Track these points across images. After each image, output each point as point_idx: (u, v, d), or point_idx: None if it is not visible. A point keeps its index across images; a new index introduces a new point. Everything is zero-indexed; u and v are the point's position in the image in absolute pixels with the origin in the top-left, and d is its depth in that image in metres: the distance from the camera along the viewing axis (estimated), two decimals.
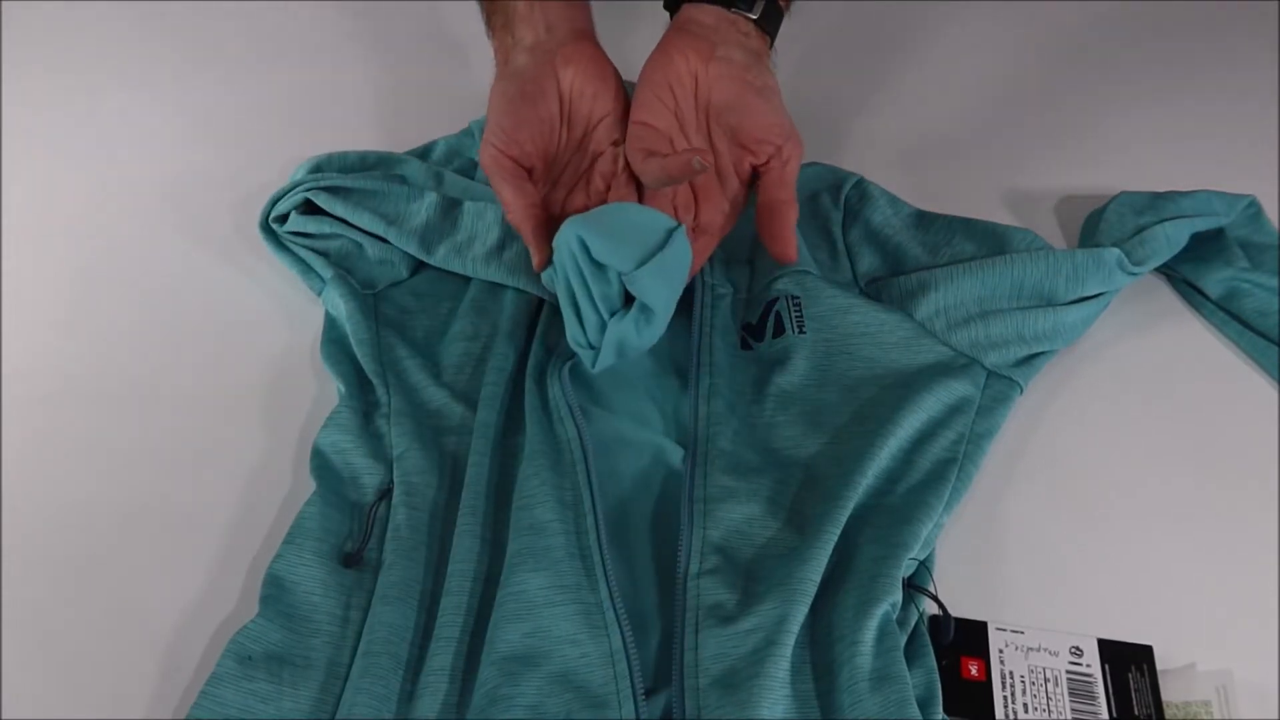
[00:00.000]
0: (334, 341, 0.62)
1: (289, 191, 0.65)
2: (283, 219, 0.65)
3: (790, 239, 0.57)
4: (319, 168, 0.69)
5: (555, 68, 0.58)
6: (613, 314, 0.55)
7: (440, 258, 0.64)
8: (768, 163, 0.57)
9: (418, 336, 0.63)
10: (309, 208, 0.65)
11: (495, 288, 0.64)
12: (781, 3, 0.61)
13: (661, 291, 0.54)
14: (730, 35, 0.58)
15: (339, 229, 0.64)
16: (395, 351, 0.61)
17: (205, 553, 0.56)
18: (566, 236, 0.54)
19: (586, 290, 0.54)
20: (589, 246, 0.53)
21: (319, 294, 0.65)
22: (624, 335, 0.55)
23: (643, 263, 0.52)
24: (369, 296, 0.64)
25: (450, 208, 0.65)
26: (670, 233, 0.54)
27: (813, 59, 0.73)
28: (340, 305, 0.62)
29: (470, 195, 0.67)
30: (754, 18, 0.58)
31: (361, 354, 0.60)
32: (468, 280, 0.65)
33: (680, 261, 0.55)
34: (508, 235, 0.64)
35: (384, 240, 0.65)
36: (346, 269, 0.65)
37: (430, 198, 0.65)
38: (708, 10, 0.59)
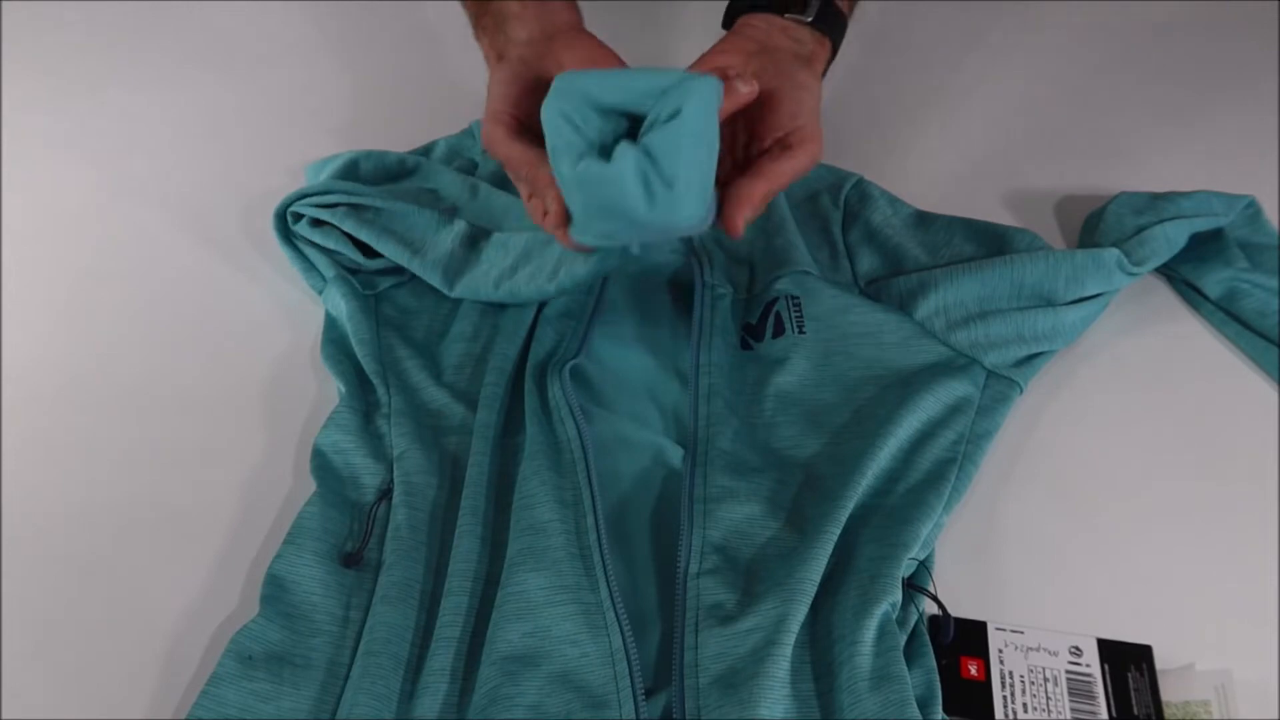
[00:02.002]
0: (334, 341, 0.62)
1: (319, 194, 0.63)
2: (299, 215, 0.65)
3: (732, 219, 0.50)
4: (355, 163, 0.68)
5: (557, 53, 0.55)
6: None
7: (461, 289, 0.63)
8: (769, 148, 0.53)
9: (418, 337, 0.63)
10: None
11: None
12: (841, 5, 0.58)
13: (686, 152, 0.45)
14: (780, 40, 0.56)
15: (344, 246, 0.64)
16: (396, 352, 0.61)
17: (205, 553, 0.56)
18: (564, 89, 0.46)
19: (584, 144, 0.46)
20: (593, 90, 0.45)
21: (320, 293, 0.65)
22: (626, 188, 0.45)
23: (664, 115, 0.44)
24: (370, 297, 0.64)
25: (476, 239, 0.64)
26: (695, 84, 0.45)
27: None
28: (341, 305, 0.62)
29: (499, 213, 0.66)
30: (807, 20, 0.56)
31: (362, 354, 0.60)
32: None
33: (708, 118, 0.46)
34: (520, 260, 0.63)
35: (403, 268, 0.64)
36: (349, 269, 0.64)
37: (459, 227, 0.64)
38: (759, 17, 0.57)
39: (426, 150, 0.74)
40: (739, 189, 0.51)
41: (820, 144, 0.53)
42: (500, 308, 0.63)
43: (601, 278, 0.63)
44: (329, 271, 0.64)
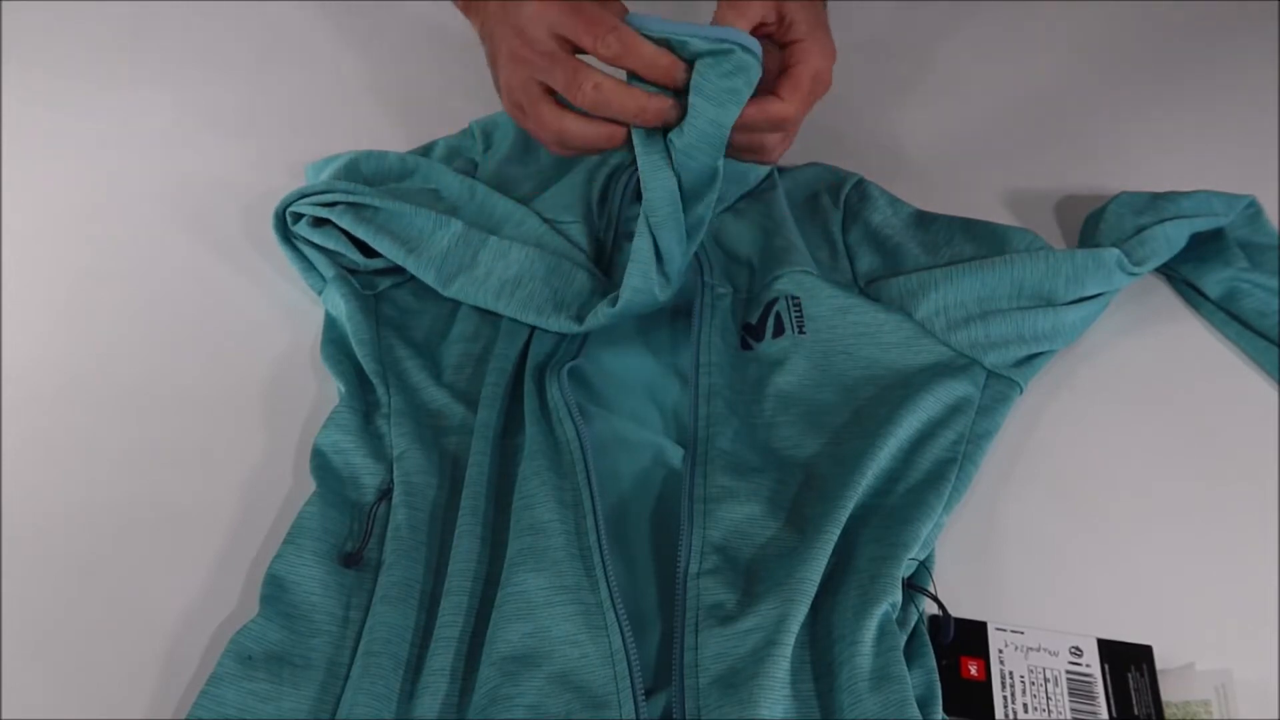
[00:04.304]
0: (334, 342, 0.62)
1: (319, 193, 0.63)
2: (298, 215, 0.64)
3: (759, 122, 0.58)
4: (355, 163, 0.68)
5: None
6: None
7: (455, 290, 0.63)
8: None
9: (418, 337, 0.63)
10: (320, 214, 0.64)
11: (498, 290, 0.64)
12: None
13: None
14: None
15: (343, 246, 0.63)
16: (395, 352, 0.61)
17: (205, 553, 0.56)
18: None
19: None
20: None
21: (319, 293, 0.65)
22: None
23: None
24: (370, 297, 0.64)
25: (473, 240, 0.63)
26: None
27: None
28: (341, 305, 0.62)
29: (498, 216, 0.66)
30: None
31: (362, 354, 0.60)
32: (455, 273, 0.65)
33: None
34: (524, 273, 0.63)
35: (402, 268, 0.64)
36: (349, 269, 0.64)
37: (455, 227, 0.63)
38: None
39: (426, 150, 0.74)
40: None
41: (819, 57, 0.57)
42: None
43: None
44: (328, 271, 0.64)
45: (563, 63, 0.54)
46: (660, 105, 0.54)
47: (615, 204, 0.68)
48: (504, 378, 0.59)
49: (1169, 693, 0.50)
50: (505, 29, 0.56)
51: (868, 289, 0.65)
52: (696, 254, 0.65)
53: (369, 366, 0.59)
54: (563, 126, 0.56)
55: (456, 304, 0.65)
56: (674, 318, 0.65)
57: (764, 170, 0.70)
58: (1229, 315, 0.66)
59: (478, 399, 0.58)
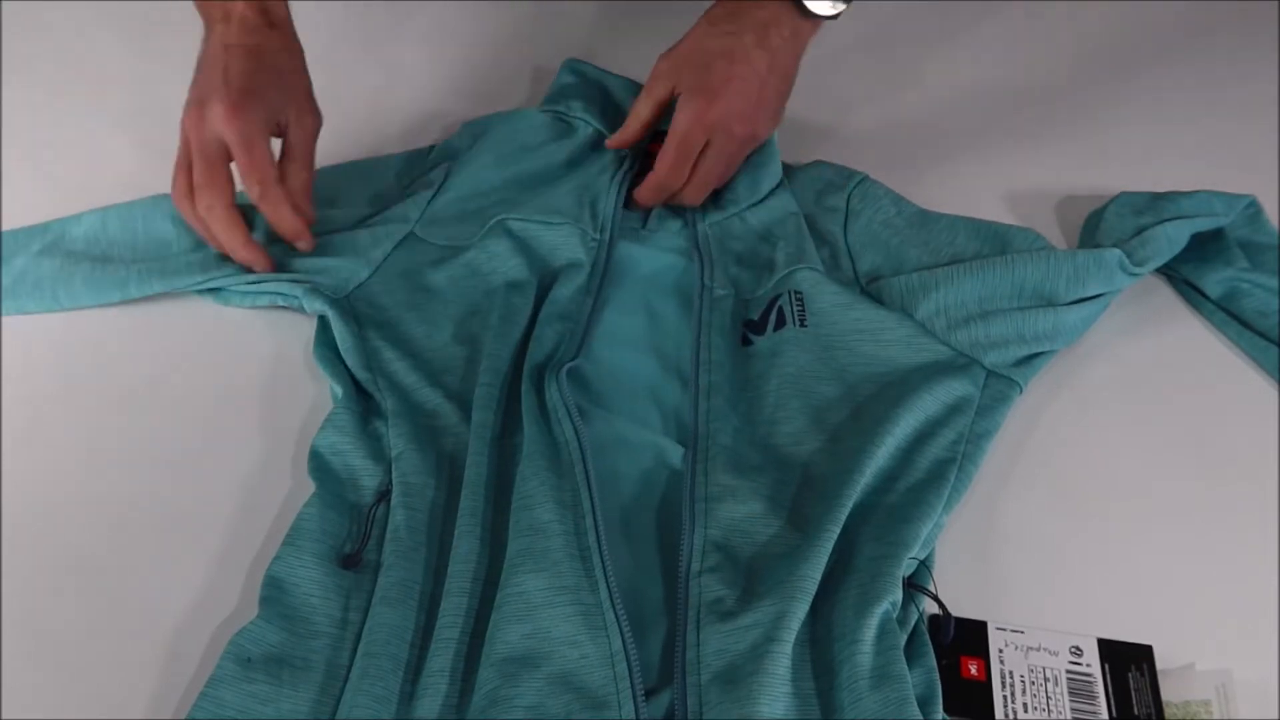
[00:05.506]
0: (327, 344, 0.62)
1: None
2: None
3: (644, 189, 0.67)
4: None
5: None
6: None
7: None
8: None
9: (398, 331, 0.63)
10: None
11: (489, 289, 0.64)
12: None
13: None
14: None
15: (278, 288, 0.63)
16: (382, 355, 0.60)
17: (205, 553, 0.56)
18: None
19: None
20: None
21: (302, 309, 0.64)
22: None
23: None
24: (343, 300, 0.63)
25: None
26: None
27: (814, 59, 0.74)
28: (323, 312, 0.62)
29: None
30: None
31: (351, 362, 0.60)
32: (434, 265, 0.65)
33: None
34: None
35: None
36: (310, 280, 0.63)
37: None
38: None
39: (426, 151, 0.73)
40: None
41: (684, 118, 0.64)
42: (491, 305, 0.63)
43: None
44: (295, 290, 0.63)
45: (212, 165, 0.61)
46: (250, 257, 0.61)
47: (609, 207, 0.67)
48: (499, 378, 0.59)
49: (1169, 693, 0.50)
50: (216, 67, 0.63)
51: (869, 288, 0.65)
52: (701, 256, 0.65)
53: (360, 375, 0.59)
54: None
55: (429, 293, 0.64)
56: (678, 320, 0.65)
57: (775, 178, 0.70)
58: (1229, 315, 0.65)
59: (471, 399, 0.58)
